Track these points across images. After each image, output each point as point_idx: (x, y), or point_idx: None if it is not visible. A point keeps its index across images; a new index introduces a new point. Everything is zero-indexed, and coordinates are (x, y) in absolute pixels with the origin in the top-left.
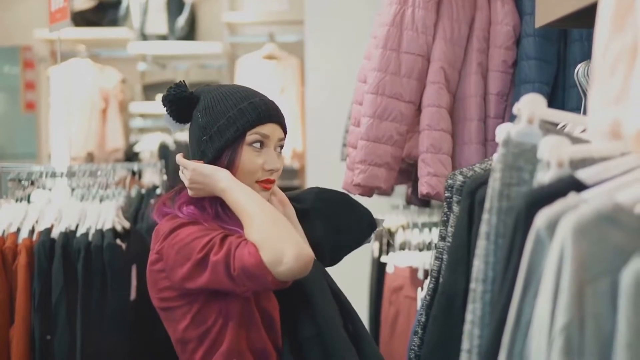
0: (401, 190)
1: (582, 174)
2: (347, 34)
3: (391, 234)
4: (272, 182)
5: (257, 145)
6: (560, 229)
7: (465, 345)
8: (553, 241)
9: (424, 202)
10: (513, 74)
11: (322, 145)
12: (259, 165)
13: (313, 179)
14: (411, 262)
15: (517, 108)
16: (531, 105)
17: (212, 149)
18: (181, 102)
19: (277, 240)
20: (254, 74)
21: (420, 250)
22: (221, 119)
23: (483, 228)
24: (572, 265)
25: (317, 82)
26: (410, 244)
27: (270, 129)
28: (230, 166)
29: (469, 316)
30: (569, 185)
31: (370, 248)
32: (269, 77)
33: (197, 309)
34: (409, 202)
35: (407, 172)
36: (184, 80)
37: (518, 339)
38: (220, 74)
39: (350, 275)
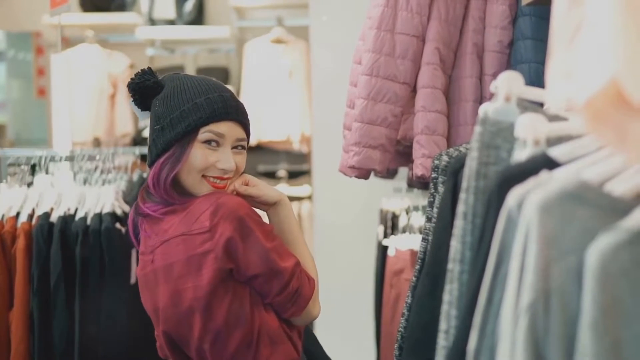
0: (405, 172)
1: (555, 152)
2: (352, 17)
3: (395, 217)
4: (225, 180)
5: (211, 143)
6: (525, 207)
7: (442, 325)
8: (520, 219)
9: (425, 185)
10: (509, 54)
11: (329, 129)
12: (210, 162)
13: (320, 163)
14: (412, 245)
15: (494, 86)
16: (509, 83)
17: (161, 140)
18: (145, 90)
19: (317, 288)
20: (262, 58)
21: (422, 233)
22: (175, 111)
23: (460, 208)
24: (537, 244)
25: (323, 66)
26: (412, 227)
27: (226, 128)
28: (177, 161)
29: (446, 297)
30: (542, 163)
31: (376, 231)
32: (277, 61)
33: (233, 291)
34: (410, 184)
35: (407, 154)
36: (149, 67)
37: (490, 318)
38: (228, 58)
39: (357, 258)
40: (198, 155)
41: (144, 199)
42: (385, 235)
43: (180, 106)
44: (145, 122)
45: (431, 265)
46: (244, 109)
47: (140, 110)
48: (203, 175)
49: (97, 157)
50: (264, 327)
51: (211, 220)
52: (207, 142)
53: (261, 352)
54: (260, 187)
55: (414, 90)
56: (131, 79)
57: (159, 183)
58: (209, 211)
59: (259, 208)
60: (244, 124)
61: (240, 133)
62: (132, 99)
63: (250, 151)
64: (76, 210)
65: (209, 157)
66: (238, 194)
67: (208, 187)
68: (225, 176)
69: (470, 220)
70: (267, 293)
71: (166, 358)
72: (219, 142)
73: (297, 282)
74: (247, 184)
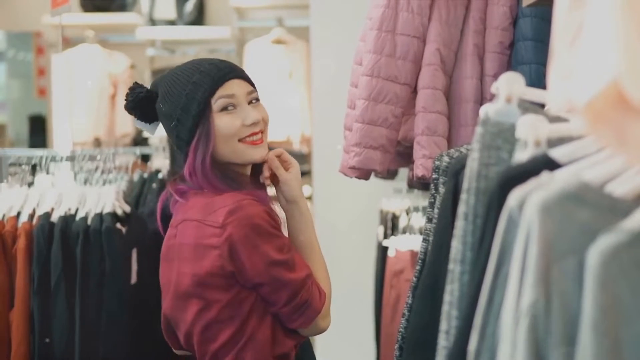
0: (405, 173)
1: (556, 153)
2: (353, 18)
3: (395, 217)
4: (259, 134)
5: (228, 108)
6: (526, 208)
7: (443, 326)
8: (521, 220)
9: (426, 186)
10: (510, 55)
11: (329, 130)
12: (238, 125)
13: (320, 163)
14: (412, 245)
15: (495, 87)
16: (509, 84)
17: (183, 132)
18: (142, 102)
19: (329, 302)
20: (263, 59)
21: (422, 234)
22: (180, 99)
23: (461, 208)
24: (537, 245)
25: (323, 66)
26: (412, 227)
27: (232, 87)
28: (207, 139)
29: (447, 297)
30: (543, 164)
31: (376, 232)
32: (278, 61)
33: (236, 291)
34: (410, 185)
35: (407, 155)
36: (136, 82)
37: (491, 319)
38: (229, 58)
39: (357, 259)
40: (222, 124)
41: (176, 184)
42: (386, 236)
43: (182, 92)
44: (158, 132)
45: (432, 265)
46: (238, 66)
47: (148, 124)
48: (239, 140)
49: (98, 157)
50: (255, 335)
51: (225, 219)
52: (224, 108)
53: (245, 356)
54: (289, 176)
55: (414, 91)
56: (125, 100)
57: (196, 169)
58: (227, 209)
59: (277, 198)
60: (246, 77)
61: (247, 86)
62: (135, 120)
63: None
64: (77, 210)
65: (234, 121)
66: (268, 163)
67: (249, 147)
68: (257, 129)
69: (471, 221)
70: (275, 302)
71: None
72: (235, 104)
73: (306, 294)
74: (286, 167)
